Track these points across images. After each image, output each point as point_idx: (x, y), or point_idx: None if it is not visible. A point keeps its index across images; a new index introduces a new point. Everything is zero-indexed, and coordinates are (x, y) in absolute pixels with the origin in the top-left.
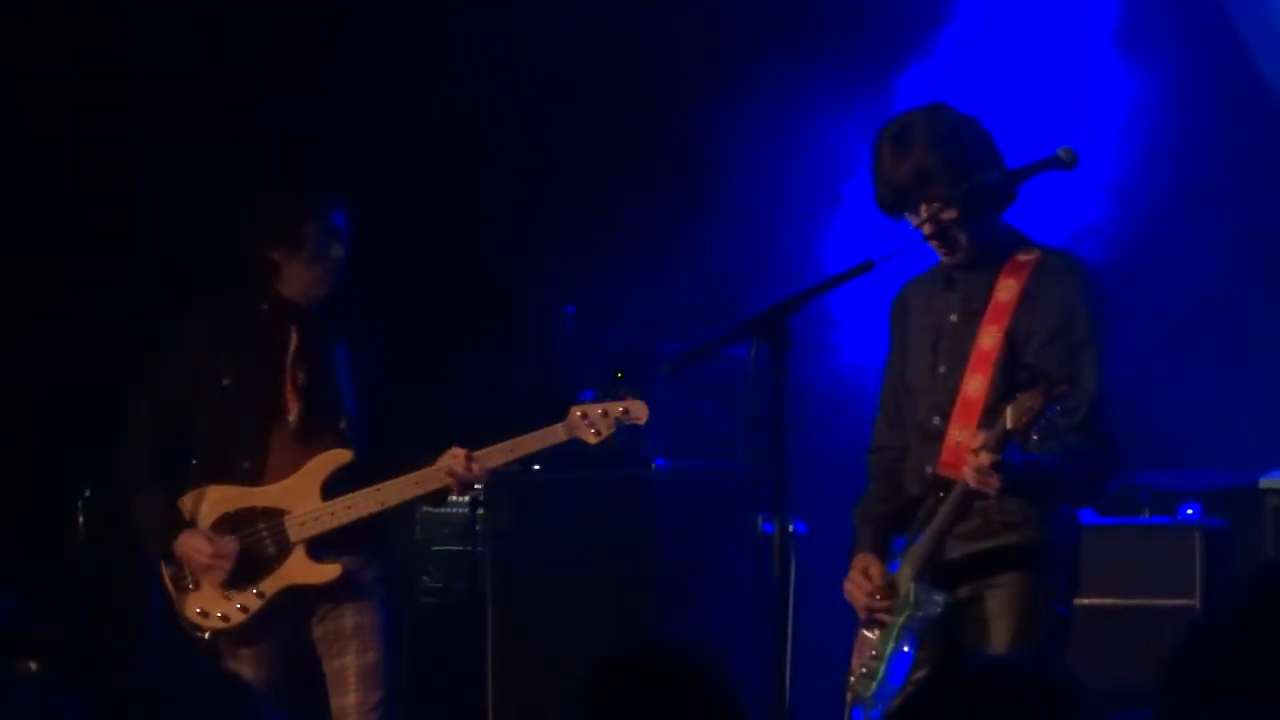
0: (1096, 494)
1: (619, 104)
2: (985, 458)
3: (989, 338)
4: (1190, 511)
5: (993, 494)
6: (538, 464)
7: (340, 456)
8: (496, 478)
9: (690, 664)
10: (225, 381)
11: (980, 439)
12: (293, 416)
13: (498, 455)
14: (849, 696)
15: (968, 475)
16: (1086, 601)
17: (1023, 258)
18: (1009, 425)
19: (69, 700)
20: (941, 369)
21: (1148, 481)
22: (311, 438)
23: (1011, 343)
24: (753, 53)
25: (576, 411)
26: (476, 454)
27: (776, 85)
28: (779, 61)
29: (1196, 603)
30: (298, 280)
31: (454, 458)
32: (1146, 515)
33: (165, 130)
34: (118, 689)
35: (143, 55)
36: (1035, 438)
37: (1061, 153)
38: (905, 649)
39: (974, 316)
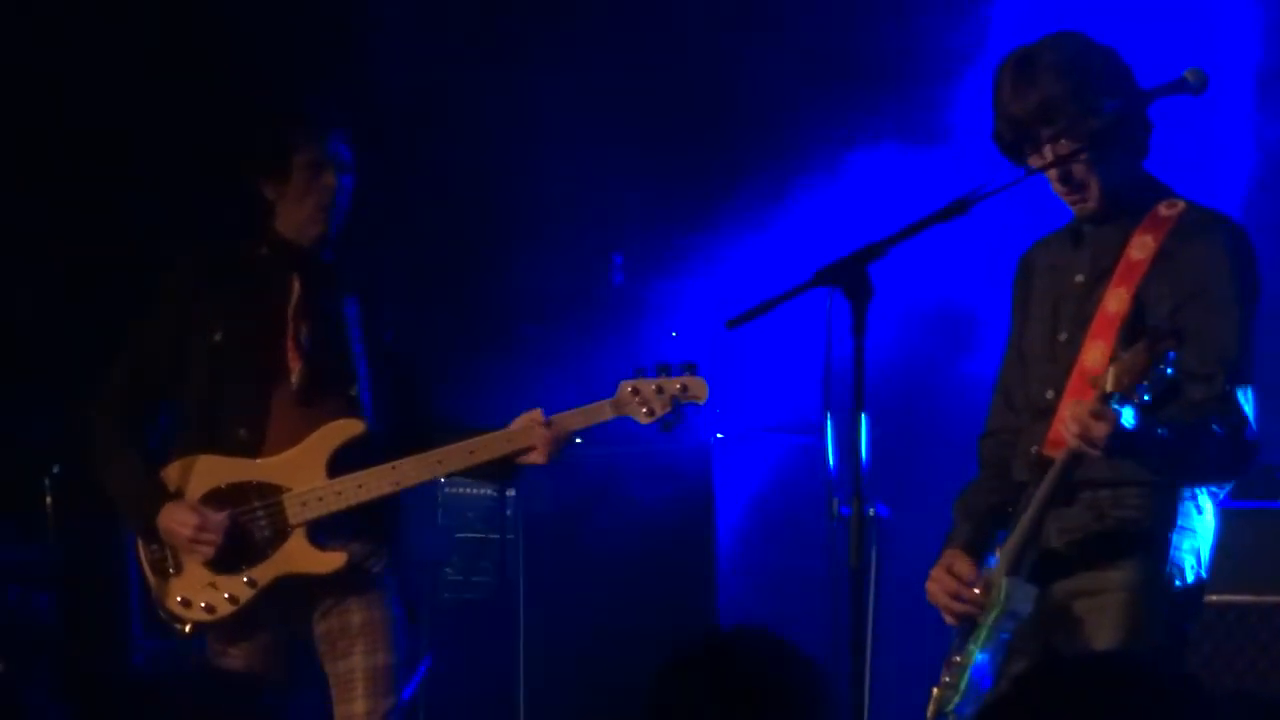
0: (1232, 476)
1: (673, 38)
2: (1089, 409)
3: (1116, 300)
4: None
5: (1097, 449)
6: (579, 437)
7: (350, 427)
8: None
9: (769, 665)
10: (217, 337)
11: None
12: (295, 377)
13: (574, 420)
14: (931, 710)
15: (1068, 429)
16: (1215, 599)
17: (1164, 212)
18: (1109, 387)
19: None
20: (1062, 336)
21: None
22: (317, 404)
23: (1140, 307)
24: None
25: (628, 387)
26: (554, 417)
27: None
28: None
29: None
30: (292, 218)
31: (533, 420)
32: None
33: (156, 54)
34: (96, 687)
35: None
36: (1145, 400)
37: (1189, 74)
38: (993, 654)
39: (1102, 277)
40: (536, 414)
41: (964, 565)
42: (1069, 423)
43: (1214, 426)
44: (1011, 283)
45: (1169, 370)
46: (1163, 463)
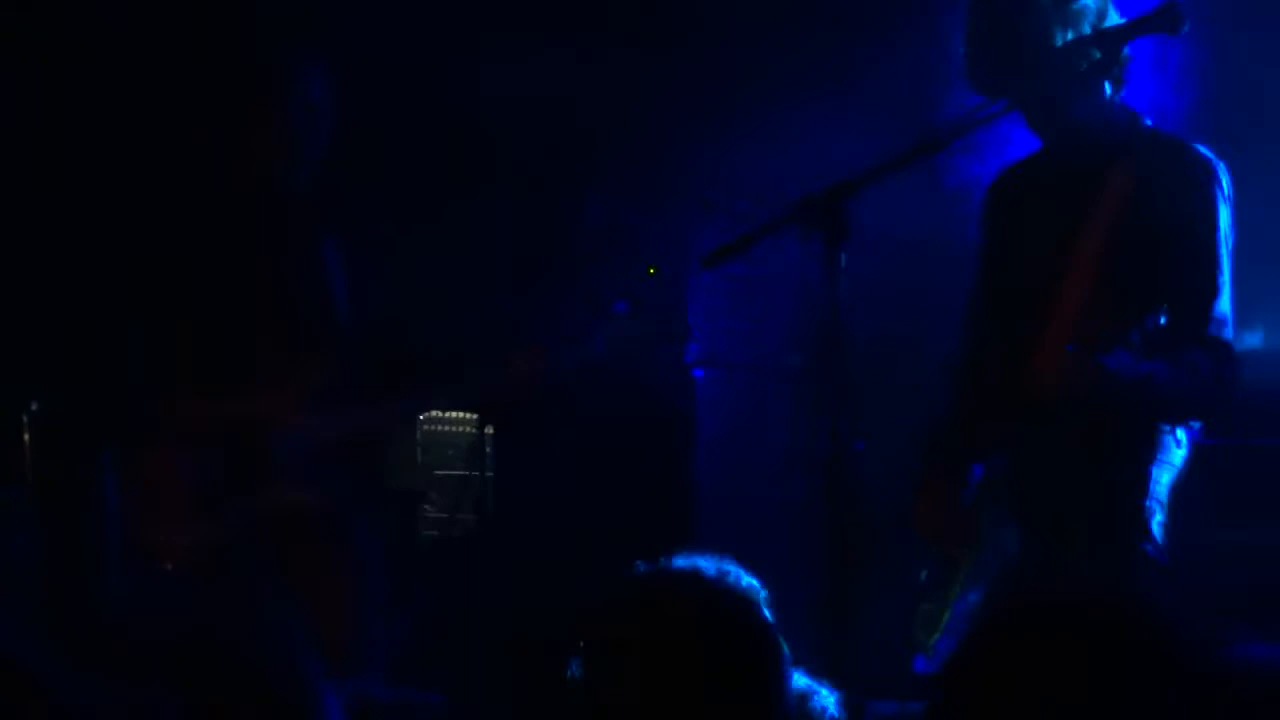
0: (1213, 415)
1: None
2: (1071, 355)
3: (1092, 237)
4: None
5: (1078, 395)
6: (562, 370)
7: (328, 364)
8: None
9: (703, 599)
10: (194, 276)
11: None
12: (277, 315)
13: (563, 357)
14: (910, 645)
15: (1050, 374)
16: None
17: (1142, 145)
18: (1095, 329)
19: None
20: (1039, 271)
21: None
22: (299, 339)
23: (1118, 244)
24: None
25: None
26: (541, 353)
27: None
28: None
29: None
30: (260, 158)
31: (536, 355)
32: None
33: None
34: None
35: None
36: (1134, 342)
37: (1165, 10)
38: (973, 592)
39: (1080, 211)
40: (534, 350)
41: (948, 495)
42: (1049, 373)
43: (1196, 368)
44: (980, 208)
45: (1161, 319)
46: (1149, 405)
